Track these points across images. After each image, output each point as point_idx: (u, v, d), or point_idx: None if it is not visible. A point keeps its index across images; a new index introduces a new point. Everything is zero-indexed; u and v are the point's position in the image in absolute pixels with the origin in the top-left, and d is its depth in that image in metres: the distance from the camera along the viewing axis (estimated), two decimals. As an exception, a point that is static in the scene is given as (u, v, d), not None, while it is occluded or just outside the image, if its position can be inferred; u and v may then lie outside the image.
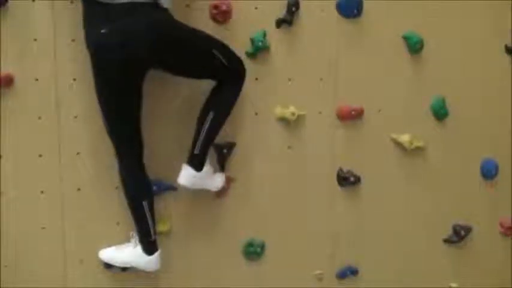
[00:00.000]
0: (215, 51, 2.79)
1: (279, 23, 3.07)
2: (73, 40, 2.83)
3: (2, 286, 2.91)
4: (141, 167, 2.85)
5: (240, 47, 2.97)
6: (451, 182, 3.36)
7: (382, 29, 3.18)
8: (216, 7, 2.96)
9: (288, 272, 3.25)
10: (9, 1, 2.78)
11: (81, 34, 2.69)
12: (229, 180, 3.11)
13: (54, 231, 2.97)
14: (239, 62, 2.89)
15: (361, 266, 3.33)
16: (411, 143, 3.26)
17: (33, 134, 2.90)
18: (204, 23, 2.93)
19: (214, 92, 2.87)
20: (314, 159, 3.21)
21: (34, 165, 2.91)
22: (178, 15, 2.78)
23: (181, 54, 2.74)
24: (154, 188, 2.98)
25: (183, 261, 3.11)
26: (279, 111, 3.13)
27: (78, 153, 2.95)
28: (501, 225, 3.46)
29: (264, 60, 3.07)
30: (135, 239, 2.94)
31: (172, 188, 3.04)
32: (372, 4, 3.14)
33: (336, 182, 3.25)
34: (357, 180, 3.25)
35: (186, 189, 3.04)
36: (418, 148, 3.29)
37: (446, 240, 3.41)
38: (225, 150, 3.07)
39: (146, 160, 2.88)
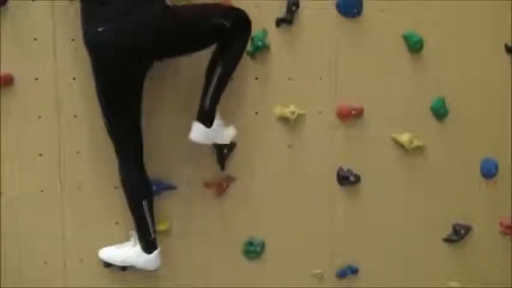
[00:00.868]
0: (216, 20, 2.75)
1: (279, 22, 3.07)
2: (73, 40, 2.84)
3: (2, 286, 2.91)
4: (140, 166, 2.86)
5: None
6: (451, 182, 3.36)
7: (382, 29, 3.18)
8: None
9: (288, 272, 3.25)
10: (9, 1, 2.78)
11: (81, 34, 2.69)
12: (229, 180, 3.11)
13: (54, 231, 2.98)
14: (242, 16, 2.82)
15: (361, 266, 3.33)
16: (411, 143, 3.26)
17: (33, 134, 2.90)
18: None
19: (221, 46, 2.81)
20: (314, 159, 3.21)
21: (34, 165, 2.92)
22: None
23: (183, 40, 2.74)
24: (154, 187, 2.99)
25: (182, 260, 3.11)
26: (279, 110, 3.13)
27: (78, 153, 2.95)
28: (501, 224, 3.46)
29: (264, 60, 3.07)
30: (134, 238, 2.94)
31: (172, 187, 3.04)
32: (372, 4, 3.14)
33: (336, 182, 3.25)
34: (357, 179, 3.25)
35: (186, 189, 3.06)
36: (418, 148, 3.29)
37: (446, 240, 3.41)
38: (225, 150, 3.07)
39: (146, 160, 2.89)
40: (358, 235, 3.31)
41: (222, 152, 3.07)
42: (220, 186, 3.11)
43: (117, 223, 3.02)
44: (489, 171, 3.40)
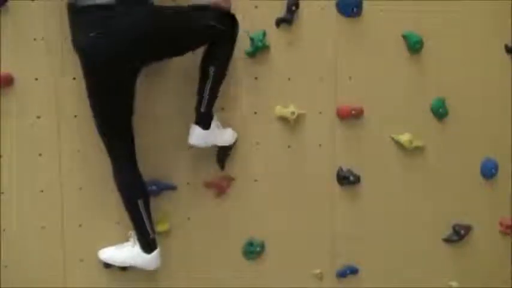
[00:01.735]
0: (204, 21, 2.76)
1: (279, 22, 3.07)
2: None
3: (2, 286, 2.92)
4: (134, 166, 2.85)
5: (239, 46, 2.96)
6: (451, 182, 3.36)
7: (382, 29, 3.18)
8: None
9: (288, 272, 3.25)
10: (9, 1, 2.78)
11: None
12: (229, 180, 3.11)
13: (54, 231, 2.98)
14: (228, 16, 2.83)
15: (361, 266, 3.33)
16: (411, 143, 3.26)
17: (33, 133, 2.90)
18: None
19: (210, 48, 2.83)
20: (314, 159, 3.21)
21: (34, 165, 2.92)
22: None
23: (173, 42, 2.74)
24: (154, 188, 2.99)
25: (183, 261, 3.11)
26: (278, 110, 3.13)
27: (78, 153, 2.95)
28: (501, 224, 3.46)
29: (264, 60, 3.07)
30: (133, 238, 2.94)
31: (172, 187, 3.04)
32: (372, 4, 3.14)
33: (336, 182, 3.25)
34: (357, 179, 3.25)
35: (186, 189, 3.06)
36: (418, 148, 3.29)
37: (446, 240, 3.41)
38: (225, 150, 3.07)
39: (146, 160, 2.89)
40: (358, 235, 3.30)
41: (222, 152, 3.07)
42: (220, 186, 3.11)
43: (117, 223, 3.02)
44: (489, 172, 3.40)
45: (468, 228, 3.41)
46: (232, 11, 2.90)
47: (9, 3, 2.79)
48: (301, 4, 3.07)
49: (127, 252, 2.94)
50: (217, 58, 2.83)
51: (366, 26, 3.16)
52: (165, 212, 3.06)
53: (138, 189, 2.86)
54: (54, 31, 2.84)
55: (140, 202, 2.84)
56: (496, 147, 3.39)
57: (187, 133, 2.91)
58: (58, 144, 2.93)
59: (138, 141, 2.88)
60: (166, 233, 3.07)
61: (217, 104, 3.01)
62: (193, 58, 2.87)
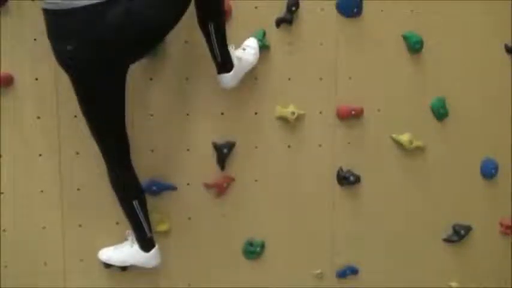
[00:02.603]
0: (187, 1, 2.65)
1: (279, 22, 3.07)
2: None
3: (2, 286, 2.92)
4: (128, 166, 2.82)
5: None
6: (451, 182, 3.36)
7: (382, 29, 3.18)
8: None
9: (288, 272, 3.25)
10: (9, 1, 2.78)
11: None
12: (229, 180, 3.11)
13: (54, 231, 2.98)
14: None
15: (361, 266, 3.33)
16: (411, 143, 3.26)
17: (33, 134, 2.90)
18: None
19: (198, 4, 2.71)
20: (314, 159, 3.21)
21: (34, 165, 2.92)
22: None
23: (155, 30, 2.62)
24: (154, 188, 2.99)
25: (183, 261, 3.11)
26: (278, 110, 3.13)
27: (78, 153, 2.95)
28: (501, 224, 3.46)
29: (264, 60, 3.07)
30: (131, 238, 2.93)
31: (172, 188, 3.04)
32: (372, 4, 3.14)
33: (336, 182, 3.25)
34: (357, 179, 3.25)
35: (186, 189, 3.06)
36: (418, 148, 3.29)
37: (446, 240, 3.41)
38: (225, 150, 3.07)
39: (146, 160, 2.89)
40: (358, 235, 3.31)
41: (222, 152, 3.07)
42: (220, 186, 3.11)
43: (117, 223, 3.01)
44: (489, 172, 3.40)
45: (468, 228, 3.41)
46: (233, 10, 2.91)
47: (9, 3, 2.79)
48: (301, 4, 3.07)
49: (126, 252, 2.94)
50: (211, 12, 2.74)
51: (366, 26, 3.16)
52: (165, 212, 3.06)
53: (133, 189, 2.85)
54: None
55: (135, 202, 2.82)
56: (496, 147, 3.39)
57: (187, 133, 2.91)
58: (58, 144, 2.93)
59: (138, 142, 2.89)
60: (166, 233, 3.07)
61: (217, 106, 3.02)
62: (193, 58, 2.86)
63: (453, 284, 3.44)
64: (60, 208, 2.97)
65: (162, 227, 3.04)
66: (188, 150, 3.05)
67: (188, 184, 3.08)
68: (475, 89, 3.32)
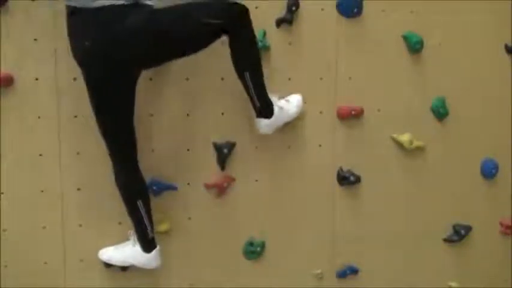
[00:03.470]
0: (205, 20, 2.67)
1: (279, 22, 3.07)
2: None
3: (2, 286, 2.92)
4: (134, 166, 2.84)
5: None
6: (451, 182, 3.36)
7: (382, 29, 3.18)
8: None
9: (288, 272, 3.25)
10: (9, 1, 2.78)
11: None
12: (229, 180, 3.11)
13: (54, 231, 2.97)
14: (232, 10, 2.74)
15: (361, 266, 3.33)
16: (411, 143, 3.26)
17: (33, 133, 2.90)
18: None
19: (233, 50, 2.78)
20: (314, 159, 3.21)
21: (34, 165, 2.92)
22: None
23: (170, 45, 2.68)
24: (155, 188, 2.99)
25: (183, 261, 3.11)
26: (279, 111, 3.13)
27: (78, 153, 2.95)
28: (501, 224, 3.46)
29: (264, 60, 3.05)
30: (133, 238, 2.94)
31: (173, 188, 3.04)
32: (372, 4, 3.14)
33: (336, 182, 3.25)
34: (357, 179, 3.25)
35: (186, 189, 3.06)
36: (418, 148, 3.29)
37: (446, 240, 3.41)
38: (225, 150, 3.07)
39: (146, 160, 2.89)
40: (358, 235, 3.31)
41: (222, 153, 3.07)
42: (221, 186, 3.11)
43: (118, 223, 3.01)
44: (489, 172, 3.40)
45: (468, 228, 3.41)
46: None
47: (9, 3, 2.79)
48: (301, 4, 3.07)
49: (127, 252, 2.94)
50: (245, 60, 2.81)
51: (366, 26, 3.16)
52: (166, 212, 3.06)
53: (138, 190, 2.86)
54: (55, 31, 2.83)
55: (140, 202, 2.83)
56: (496, 147, 3.39)
57: (187, 133, 2.91)
58: (58, 144, 2.93)
59: (139, 142, 2.88)
60: (167, 233, 3.07)
61: (217, 106, 3.02)
62: (193, 58, 2.86)
63: (453, 284, 3.44)
64: (60, 208, 2.97)
65: (162, 227, 3.04)
66: (188, 150, 3.05)
67: (188, 184, 3.08)
68: (475, 89, 3.32)
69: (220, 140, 3.07)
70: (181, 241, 3.10)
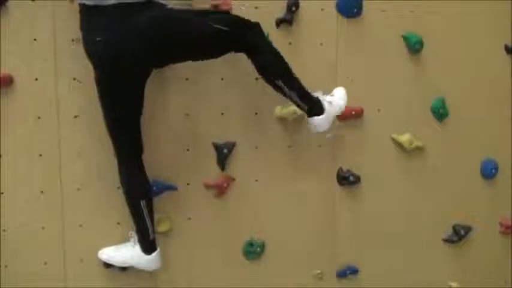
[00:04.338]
0: (214, 24, 2.70)
1: (279, 22, 3.07)
2: (73, 40, 2.83)
3: (2, 286, 2.91)
4: (139, 166, 2.85)
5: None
6: (451, 182, 3.36)
7: (382, 29, 3.18)
8: (216, 7, 2.96)
9: (288, 272, 3.25)
10: (9, 1, 2.78)
11: (80, 34, 2.69)
12: (229, 180, 3.11)
13: (54, 231, 2.97)
14: (240, 20, 2.79)
15: (361, 266, 3.33)
16: (411, 143, 3.26)
17: (33, 134, 2.89)
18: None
19: (255, 65, 2.82)
20: (314, 159, 3.21)
21: (34, 165, 2.91)
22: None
23: (181, 47, 2.71)
24: (154, 188, 2.99)
25: (183, 261, 3.11)
26: (279, 111, 3.12)
27: (78, 153, 2.95)
28: (501, 224, 3.46)
29: (264, 60, 3.07)
30: (134, 239, 2.94)
31: (173, 188, 3.04)
32: (372, 4, 3.15)
33: (336, 182, 3.25)
34: (357, 179, 3.25)
35: (186, 189, 3.05)
36: (418, 148, 3.29)
37: (446, 240, 3.42)
38: (225, 150, 3.07)
39: (146, 160, 2.88)
40: (358, 235, 3.31)
41: (222, 152, 3.07)
42: (221, 186, 3.11)
43: (117, 223, 3.01)
44: (489, 172, 3.41)
45: (468, 229, 3.41)
46: (233, 10, 2.91)
47: (9, 3, 2.79)
48: (301, 4, 3.07)
49: (127, 253, 2.94)
50: (268, 71, 2.83)
51: (366, 26, 3.16)
52: (166, 213, 3.05)
53: (142, 190, 2.86)
54: (55, 31, 2.83)
55: (143, 203, 2.83)
56: (496, 147, 3.39)
57: (187, 133, 2.91)
58: (58, 144, 2.93)
59: (139, 142, 2.89)
60: (167, 233, 3.07)
61: (217, 106, 3.02)
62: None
63: (453, 284, 3.44)
64: (60, 208, 2.97)
65: (163, 227, 3.04)
66: (188, 150, 3.05)
67: (188, 184, 3.08)
68: (475, 89, 3.32)
69: (220, 140, 3.07)
70: (182, 241, 3.10)
